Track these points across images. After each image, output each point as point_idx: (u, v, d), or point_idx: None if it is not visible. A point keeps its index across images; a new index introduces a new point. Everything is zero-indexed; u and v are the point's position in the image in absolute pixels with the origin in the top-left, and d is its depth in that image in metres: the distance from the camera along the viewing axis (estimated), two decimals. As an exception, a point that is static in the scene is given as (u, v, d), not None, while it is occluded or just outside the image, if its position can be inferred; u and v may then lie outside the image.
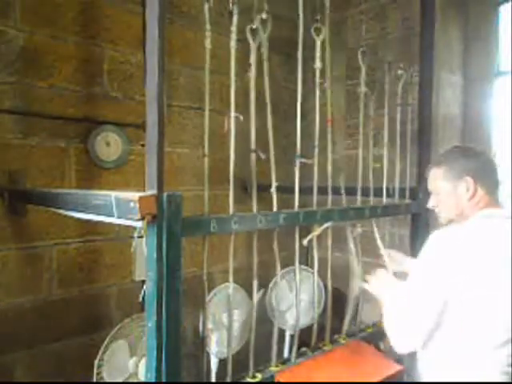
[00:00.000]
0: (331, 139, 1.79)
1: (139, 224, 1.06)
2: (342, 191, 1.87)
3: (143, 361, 1.40)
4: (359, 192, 1.95)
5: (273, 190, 1.57)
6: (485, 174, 1.35)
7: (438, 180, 1.39)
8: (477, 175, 1.32)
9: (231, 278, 1.54)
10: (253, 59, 1.48)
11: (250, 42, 1.46)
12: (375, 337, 1.93)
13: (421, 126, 2.14)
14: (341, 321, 1.92)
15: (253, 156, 1.53)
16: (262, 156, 1.52)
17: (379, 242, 1.87)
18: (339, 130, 1.88)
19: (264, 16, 1.48)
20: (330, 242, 1.81)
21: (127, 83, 2.28)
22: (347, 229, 1.88)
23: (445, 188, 1.37)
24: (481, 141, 2.56)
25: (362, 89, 1.94)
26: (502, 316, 1.22)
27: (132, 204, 1.04)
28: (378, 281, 1.57)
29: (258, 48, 1.50)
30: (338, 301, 1.90)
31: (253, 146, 1.53)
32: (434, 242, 1.27)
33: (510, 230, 1.28)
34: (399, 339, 1.29)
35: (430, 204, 1.46)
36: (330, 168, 1.80)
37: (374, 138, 2.05)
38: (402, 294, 1.31)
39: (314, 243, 1.73)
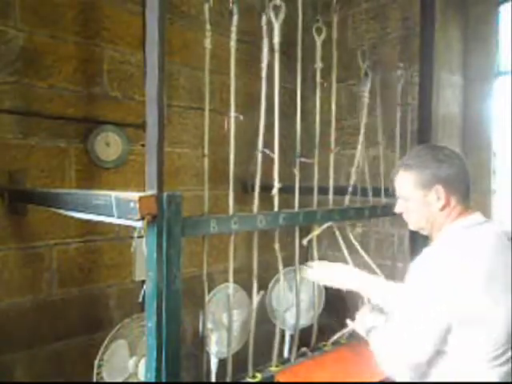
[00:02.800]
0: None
1: (139, 224, 1.06)
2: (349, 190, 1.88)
3: (143, 361, 1.40)
4: (359, 192, 1.96)
5: (275, 190, 1.57)
6: (458, 181, 1.23)
7: (406, 186, 1.27)
8: (449, 183, 1.21)
9: (231, 278, 1.54)
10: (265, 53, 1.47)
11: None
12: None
13: (421, 126, 2.14)
14: (341, 321, 1.92)
15: (258, 156, 1.54)
16: (271, 154, 1.52)
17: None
18: (339, 130, 1.89)
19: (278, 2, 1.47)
20: (327, 241, 1.81)
21: (127, 83, 2.28)
22: (347, 228, 1.87)
23: (414, 196, 1.26)
24: (481, 141, 2.56)
25: (362, 88, 1.95)
26: (502, 333, 1.15)
27: (132, 204, 1.04)
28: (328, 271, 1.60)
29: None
30: (337, 301, 1.90)
31: (260, 145, 1.53)
32: (424, 265, 1.16)
33: (489, 235, 1.21)
34: (402, 370, 1.20)
35: (397, 210, 1.34)
36: (331, 168, 1.80)
37: (373, 138, 2.05)
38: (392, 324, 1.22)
39: (314, 243, 1.73)
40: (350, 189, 1.88)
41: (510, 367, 1.16)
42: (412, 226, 1.34)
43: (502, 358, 1.15)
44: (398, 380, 1.22)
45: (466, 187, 1.26)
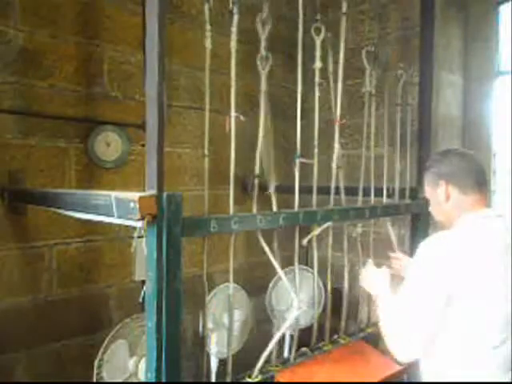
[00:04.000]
0: (335, 139, 1.79)
1: (139, 224, 1.06)
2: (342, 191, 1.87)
3: (143, 361, 1.40)
4: (360, 192, 1.96)
5: (271, 190, 1.57)
6: (458, 175, 1.36)
7: (425, 186, 1.47)
8: (450, 178, 1.36)
9: (231, 278, 1.54)
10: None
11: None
12: (375, 337, 1.93)
13: (421, 126, 2.14)
14: (340, 321, 1.92)
15: (257, 156, 1.54)
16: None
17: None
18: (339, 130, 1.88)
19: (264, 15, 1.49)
20: (330, 241, 1.81)
21: (127, 83, 2.28)
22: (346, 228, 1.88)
23: (429, 193, 1.45)
24: (481, 141, 2.56)
25: (368, 88, 1.95)
26: (501, 313, 1.24)
27: (132, 204, 1.04)
28: (369, 276, 1.61)
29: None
30: (337, 301, 1.90)
31: (259, 146, 1.53)
32: (427, 248, 1.29)
33: (499, 229, 1.32)
34: (400, 348, 1.28)
35: (430, 208, 1.51)
36: (333, 167, 1.80)
37: (373, 138, 2.04)
38: (398, 301, 1.30)
39: (314, 243, 1.73)
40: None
41: (508, 350, 1.25)
42: (437, 221, 1.50)
43: (500, 339, 1.24)
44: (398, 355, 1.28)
45: (473, 179, 1.36)
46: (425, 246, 1.29)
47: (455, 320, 1.24)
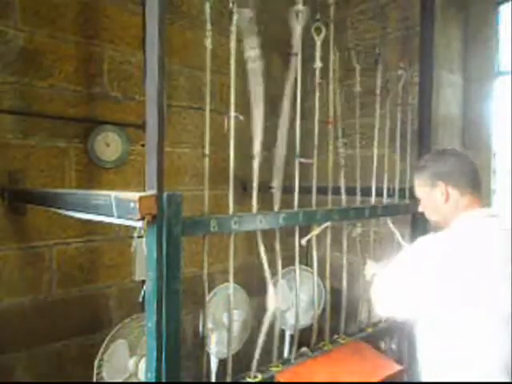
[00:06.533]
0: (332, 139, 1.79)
1: (139, 224, 1.06)
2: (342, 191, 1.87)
3: (143, 361, 1.40)
4: (359, 192, 1.96)
5: (274, 189, 1.57)
6: (456, 176, 1.36)
7: (418, 187, 1.46)
8: (448, 179, 1.36)
9: (231, 278, 1.54)
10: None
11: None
12: (375, 337, 1.93)
13: (421, 126, 2.14)
14: (340, 321, 1.92)
15: (256, 156, 1.53)
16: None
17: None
18: (337, 129, 1.88)
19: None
20: (328, 241, 1.81)
21: (127, 83, 2.28)
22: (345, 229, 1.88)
23: (424, 194, 1.44)
24: (481, 141, 2.56)
25: (358, 88, 1.96)
26: (497, 314, 1.22)
27: (132, 204, 1.04)
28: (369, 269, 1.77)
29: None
30: (337, 301, 1.90)
31: (258, 145, 1.53)
32: (418, 247, 1.32)
33: (494, 229, 1.31)
34: (378, 305, 1.45)
35: (419, 209, 1.51)
36: (330, 168, 1.80)
37: (373, 138, 2.05)
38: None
39: (314, 243, 1.73)
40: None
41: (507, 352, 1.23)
42: (431, 222, 1.51)
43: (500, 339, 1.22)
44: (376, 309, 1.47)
45: (469, 180, 1.37)
46: (420, 243, 1.32)
47: (449, 323, 1.23)
